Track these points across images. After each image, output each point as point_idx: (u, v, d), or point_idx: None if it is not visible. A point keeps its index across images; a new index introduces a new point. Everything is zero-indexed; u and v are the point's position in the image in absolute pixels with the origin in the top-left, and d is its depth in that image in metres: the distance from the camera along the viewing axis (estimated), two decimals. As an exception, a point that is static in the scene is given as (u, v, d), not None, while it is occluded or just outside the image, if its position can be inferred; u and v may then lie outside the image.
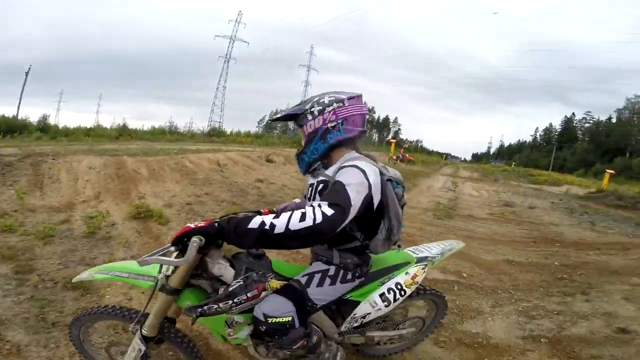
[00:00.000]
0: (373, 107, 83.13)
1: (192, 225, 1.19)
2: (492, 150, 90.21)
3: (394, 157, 21.21)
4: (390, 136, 76.34)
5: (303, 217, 1.12)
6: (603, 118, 63.21)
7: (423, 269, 1.76)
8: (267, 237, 1.11)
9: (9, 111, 32.62)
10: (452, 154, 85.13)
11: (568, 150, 61.65)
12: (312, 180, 1.54)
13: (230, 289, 1.31)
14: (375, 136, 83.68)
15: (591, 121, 65.97)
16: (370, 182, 1.31)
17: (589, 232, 6.42)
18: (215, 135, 24.50)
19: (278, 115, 1.60)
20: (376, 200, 1.37)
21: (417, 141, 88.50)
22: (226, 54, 53.75)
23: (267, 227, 1.11)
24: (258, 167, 9.93)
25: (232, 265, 1.40)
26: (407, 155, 22.87)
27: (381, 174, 1.42)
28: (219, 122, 52.31)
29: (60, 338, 2.10)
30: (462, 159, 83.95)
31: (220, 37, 53.07)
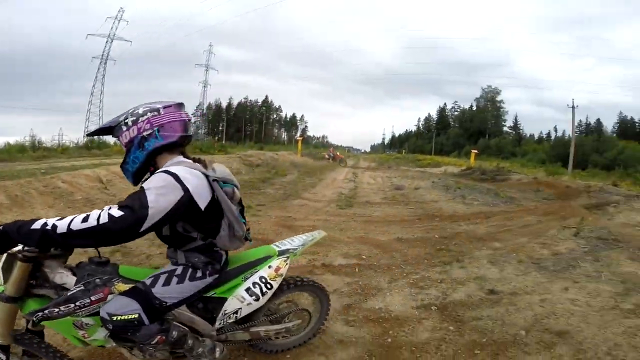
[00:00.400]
0: (280, 106, 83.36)
1: None
2: (386, 141, 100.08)
3: (326, 156, 23.19)
4: (298, 134, 77.98)
5: (86, 219, 1.23)
6: (467, 106, 76.26)
7: (285, 261, 1.89)
8: (50, 237, 1.20)
9: None
10: (355, 147, 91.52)
11: (444, 135, 72.63)
12: None
13: (70, 293, 1.41)
14: (284, 135, 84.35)
15: (458, 110, 78.90)
16: (187, 185, 1.38)
17: (461, 205, 7.75)
18: (95, 147, 21.12)
19: (92, 130, 1.65)
20: (201, 201, 1.45)
21: (323, 137, 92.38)
22: (102, 55, 47.20)
23: (48, 227, 1.20)
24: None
25: (74, 274, 1.48)
26: (337, 154, 24.41)
27: (206, 175, 1.50)
28: None
29: None
30: (363, 150, 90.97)
31: (95, 35, 46.20)
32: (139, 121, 1.49)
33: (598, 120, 61.37)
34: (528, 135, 70.67)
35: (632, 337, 2.40)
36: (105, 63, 48.08)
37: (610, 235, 4.89)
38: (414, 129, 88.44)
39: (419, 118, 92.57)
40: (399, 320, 2.75)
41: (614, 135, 54.23)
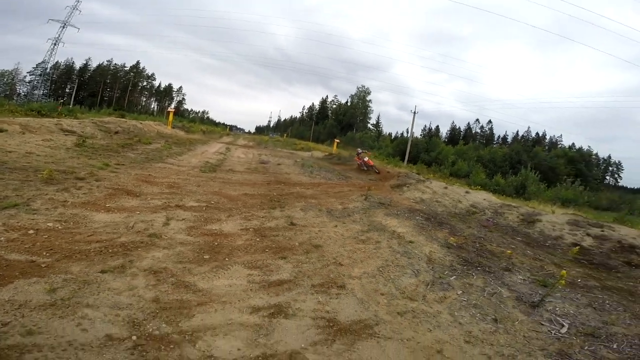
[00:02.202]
0: (153, 74, 73.68)
1: None
2: (272, 124, 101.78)
3: (359, 163, 15.33)
4: (172, 105, 71.02)
5: None
6: (343, 101, 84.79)
7: None
8: None
9: None
10: (239, 126, 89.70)
11: (322, 125, 79.20)
12: None
13: None
14: (155, 105, 75.45)
15: (336, 103, 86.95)
16: None
17: (306, 178, 9.85)
18: None
19: None
20: None
21: (203, 112, 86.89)
22: None
23: None
24: (-18, 133, 7.94)
25: None
26: (369, 160, 15.65)
27: None
28: None
29: None
30: (248, 131, 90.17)
31: None
32: None
33: (437, 126, 78.24)
34: (387, 133, 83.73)
35: (352, 252, 4.44)
36: None
37: (385, 201, 7.54)
38: (298, 115, 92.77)
39: (304, 106, 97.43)
40: (225, 235, 4.21)
41: (443, 140, 70.27)
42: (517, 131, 68.77)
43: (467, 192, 9.63)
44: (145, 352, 2.11)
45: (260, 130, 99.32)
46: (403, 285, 3.39)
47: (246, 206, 5.57)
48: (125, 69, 68.51)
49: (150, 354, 2.10)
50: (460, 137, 73.66)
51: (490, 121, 74.61)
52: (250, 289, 3.03)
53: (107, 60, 65.92)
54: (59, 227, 3.83)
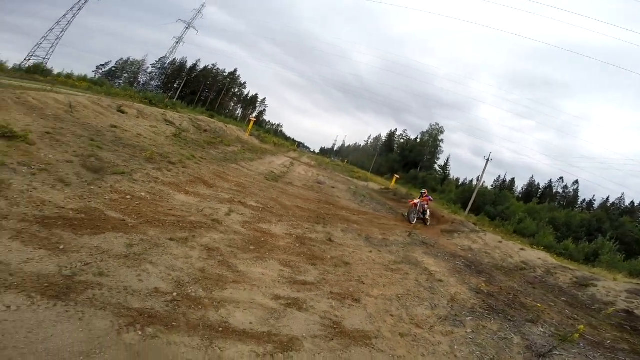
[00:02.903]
0: (245, 82, 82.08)
1: None
2: (335, 147, 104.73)
3: (411, 203, 11.83)
4: (254, 115, 77.62)
5: None
6: (413, 137, 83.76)
7: None
8: None
9: None
10: (305, 144, 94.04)
11: (385, 157, 79.00)
12: None
13: None
14: (240, 111, 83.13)
15: (404, 138, 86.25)
16: None
17: (355, 205, 10.32)
18: (38, 72, 20.19)
19: None
20: None
21: (278, 125, 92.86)
22: None
23: None
24: (110, 115, 10.00)
25: None
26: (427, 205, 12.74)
27: None
28: (44, 59, 41.00)
29: None
30: (312, 150, 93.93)
31: None
32: None
33: (512, 179, 72.60)
34: (454, 177, 79.99)
35: (378, 276, 4.78)
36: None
37: (430, 241, 7.66)
38: (363, 143, 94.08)
39: (370, 135, 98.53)
40: (272, 235, 4.90)
41: (517, 194, 64.73)
42: (608, 197, 58.99)
43: (521, 249, 9.15)
44: (177, 307, 2.63)
45: (323, 151, 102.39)
46: (415, 314, 3.65)
47: (295, 216, 6.25)
48: (224, 74, 77.07)
49: (181, 309, 2.64)
50: (537, 194, 67.03)
51: (577, 181, 65.77)
52: (278, 282, 3.59)
53: (212, 64, 74.86)
54: (148, 198, 4.88)
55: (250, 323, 2.75)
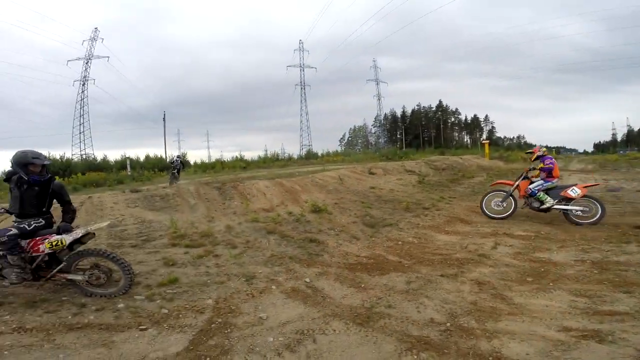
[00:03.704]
0: (457, 109, 78.80)
1: None
2: (619, 137, 75.69)
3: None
4: (484, 136, 71.50)
5: None
6: None
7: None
8: None
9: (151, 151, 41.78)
10: (567, 147, 74.35)
11: None
12: None
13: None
14: (467, 138, 78.99)
15: None
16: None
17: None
18: (311, 157, 28.48)
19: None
20: None
21: (518, 137, 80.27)
22: (300, 82, 57.52)
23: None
24: (365, 178, 12.37)
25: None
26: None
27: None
28: (309, 145, 55.78)
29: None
30: (583, 151, 72.34)
31: (291, 67, 56.77)
32: None
33: None
34: None
35: None
36: (303, 88, 58.43)
37: None
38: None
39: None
40: (554, 263, 4.16)
41: None
42: None
43: None
44: (450, 336, 2.76)
45: (599, 147, 76.07)
46: None
47: (584, 239, 5.02)
48: (432, 109, 77.24)
49: (453, 338, 2.72)
50: None
51: None
52: (569, 313, 3.00)
53: (416, 105, 77.48)
54: (415, 242, 5.48)
55: (527, 354, 2.46)
